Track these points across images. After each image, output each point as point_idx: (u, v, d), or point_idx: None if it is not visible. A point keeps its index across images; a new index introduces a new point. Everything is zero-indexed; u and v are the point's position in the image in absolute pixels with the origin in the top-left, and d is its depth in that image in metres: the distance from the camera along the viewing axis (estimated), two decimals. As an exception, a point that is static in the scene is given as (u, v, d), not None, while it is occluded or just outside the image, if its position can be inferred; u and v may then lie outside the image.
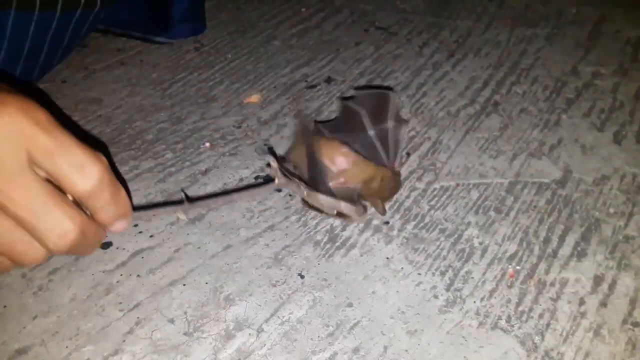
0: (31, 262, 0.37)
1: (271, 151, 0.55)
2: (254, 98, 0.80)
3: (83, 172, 0.35)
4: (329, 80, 0.83)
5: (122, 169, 0.66)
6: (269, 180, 0.51)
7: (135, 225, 0.58)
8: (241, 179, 0.65)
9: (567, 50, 0.89)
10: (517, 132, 0.71)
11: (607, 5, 1.00)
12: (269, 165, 0.50)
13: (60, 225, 0.36)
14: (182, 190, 0.53)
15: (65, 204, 0.36)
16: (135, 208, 0.41)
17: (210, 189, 0.64)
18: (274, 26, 0.98)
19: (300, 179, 0.51)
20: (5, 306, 0.50)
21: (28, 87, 0.75)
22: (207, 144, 0.71)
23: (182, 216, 0.53)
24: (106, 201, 0.37)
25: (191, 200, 0.50)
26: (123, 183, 0.39)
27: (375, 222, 0.59)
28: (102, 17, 0.81)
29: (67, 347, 0.46)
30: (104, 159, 0.37)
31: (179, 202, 0.48)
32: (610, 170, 0.65)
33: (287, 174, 0.50)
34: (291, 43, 0.93)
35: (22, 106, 0.35)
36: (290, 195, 0.62)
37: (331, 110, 0.77)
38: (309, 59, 0.89)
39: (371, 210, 0.60)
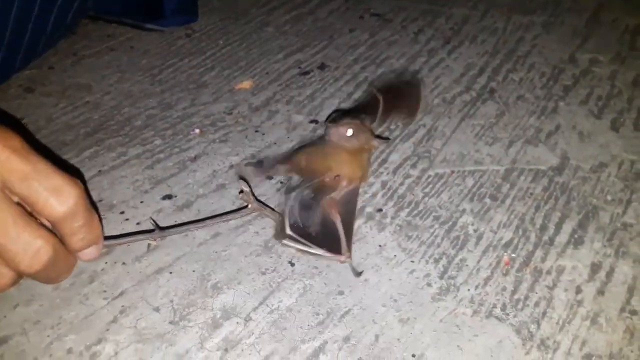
0: (0, 288, 0.37)
1: (242, 178, 0.56)
2: (245, 84, 0.78)
3: (60, 195, 0.36)
4: (322, 66, 0.82)
5: (110, 156, 0.65)
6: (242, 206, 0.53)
7: (122, 213, 0.57)
8: (231, 166, 0.64)
9: (564, 38, 0.87)
10: (514, 119, 0.70)
11: (605, -7, 0.99)
12: (241, 191, 0.51)
13: (33, 245, 0.36)
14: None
15: (38, 225, 0.36)
16: (106, 237, 0.43)
17: (199, 175, 0.62)
18: (267, 12, 0.96)
19: (272, 208, 0.53)
20: (-15, 294, 0.48)
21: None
22: (197, 131, 0.69)
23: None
24: (80, 226, 0.38)
25: (162, 228, 0.50)
26: (95, 209, 0.41)
27: (369, 209, 0.57)
28: (89, 4, 0.79)
29: (48, 336, 0.45)
30: (80, 184, 0.37)
31: (149, 231, 0.49)
32: (607, 157, 0.63)
33: (260, 201, 0.52)
34: (284, 29, 0.91)
35: None
36: (281, 182, 0.61)
37: (324, 97, 0.75)
38: (302, 45, 0.87)
39: (365, 196, 0.59)
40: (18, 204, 0.36)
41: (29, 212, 0.37)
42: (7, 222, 0.35)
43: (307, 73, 0.81)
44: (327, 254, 0.49)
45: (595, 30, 0.89)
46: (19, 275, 0.38)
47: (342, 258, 0.49)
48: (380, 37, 0.89)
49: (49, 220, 0.37)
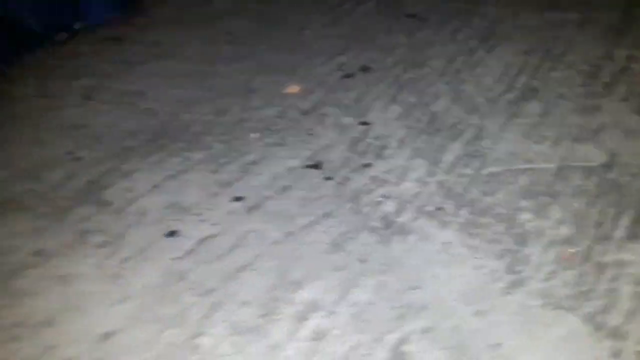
0: None
1: None
2: (293, 88, 0.81)
3: None
4: (364, 68, 0.84)
5: (175, 161, 0.68)
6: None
7: (197, 214, 0.60)
8: (290, 169, 0.66)
9: (598, 35, 0.89)
10: (558, 117, 0.73)
11: (636, -11, 1.00)
12: None
13: None
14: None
15: None
16: None
17: (263, 178, 0.65)
18: (304, 15, 0.99)
19: None
20: (84, 293, 0.51)
21: None
22: (254, 135, 0.72)
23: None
24: None
25: None
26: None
27: (429, 208, 0.60)
28: None
29: (149, 331, 0.48)
30: None
31: None
32: (654, 153, 0.66)
33: None
34: (324, 32, 0.94)
35: None
36: (340, 183, 0.64)
37: (370, 99, 0.78)
38: (342, 48, 0.89)
39: (422, 196, 0.61)
40: None
41: None
42: None
43: (350, 75, 0.83)
44: None
45: (629, 26, 0.91)
46: None
47: None
48: (418, 38, 0.91)
49: None
